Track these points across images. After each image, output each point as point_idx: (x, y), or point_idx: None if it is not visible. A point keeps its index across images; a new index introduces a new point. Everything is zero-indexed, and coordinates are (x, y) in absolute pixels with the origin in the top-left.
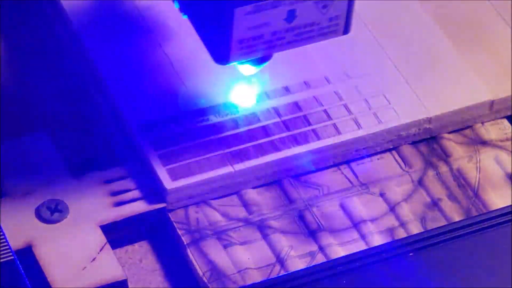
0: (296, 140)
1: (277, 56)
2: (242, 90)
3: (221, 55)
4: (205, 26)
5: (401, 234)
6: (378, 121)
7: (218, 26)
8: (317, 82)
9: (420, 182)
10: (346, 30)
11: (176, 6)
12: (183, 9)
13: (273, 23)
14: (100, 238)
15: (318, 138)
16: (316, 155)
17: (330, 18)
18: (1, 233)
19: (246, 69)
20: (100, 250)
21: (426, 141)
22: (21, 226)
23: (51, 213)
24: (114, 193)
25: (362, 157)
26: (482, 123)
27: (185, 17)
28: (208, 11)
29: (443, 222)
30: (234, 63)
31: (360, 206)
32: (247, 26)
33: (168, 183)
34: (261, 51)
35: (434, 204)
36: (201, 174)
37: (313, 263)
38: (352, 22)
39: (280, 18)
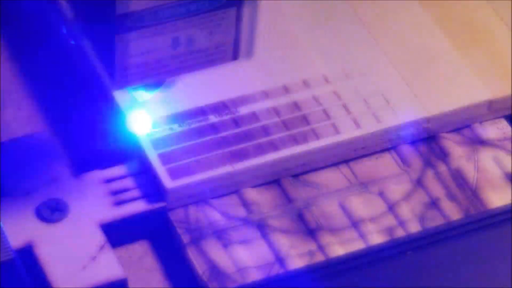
0: (295, 140)
1: (277, 56)
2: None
3: (112, 82)
4: (99, 53)
5: (400, 233)
6: (377, 121)
7: (102, 53)
8: (316, 82)
9: (419, 182)
10: (235, 56)
11: (64, 31)
12: (70, 36)
13: (157, 50)
14: (100, 237)
15: (317, 138)
16: (315, 155)
17: (217, 45)
18: (2, 232)
19: (140, 94)
20: (100, 249)
21: (425, 141)
22: (21, 225)
23: (51, 212)
24: (114, 193)
25: (361, 157)
26: (481, 122)
27: (72, 43)
28: (92, 37)
29: (441, 221)
30: (127, 89)
31: (359, 205)
32: (130, 53)
33: (168, 183)
34: (147, 78)
35: (433, 203)
36: (201, 174)
37: (312, 262)
38: (249, 46)
39: (164, 45)
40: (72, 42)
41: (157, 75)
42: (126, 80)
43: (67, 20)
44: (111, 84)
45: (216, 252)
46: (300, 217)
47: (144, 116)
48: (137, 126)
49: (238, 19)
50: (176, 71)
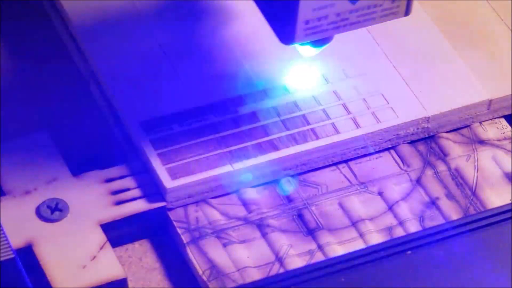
0: (295, 139)
1: (276, 55)
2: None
3: (287, 35)
4: (271, 6)
5: (399, 232)
6: (377, 121)
7: (284, 6)
8: (316, 82)
9: (419, 181)
10: (407, 12)
11: None
12: None
13: (337, 4)
14: (100, 236)
15: (317, 137)
16: (315, 155)
17: (393, 0)
18: (2, 232)
19: (306, 50)
20: (100, 249)
21: (424, 140)
22: (21, 225)
23: (52, 212)
24: (114, 192)
25: (361, 156)
26: (480, 122)
27: None
28: None
29: (441, 221)
30: (297, 44)
31: (359, 205)
32: (312, 7)
33: (168, 182)
34: (325, 32)
35: (432, 203)
36: (201, 173)
37: (312, 262)
38: (413, 3)
39: None
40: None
41: (333, 30)
42: (305, 34)
43: None
44: (289, 38)
45: (216, 251)
46: (300, 217)
47: (307, 72)
48: (298, 81)
49: None
50: (351, 26)
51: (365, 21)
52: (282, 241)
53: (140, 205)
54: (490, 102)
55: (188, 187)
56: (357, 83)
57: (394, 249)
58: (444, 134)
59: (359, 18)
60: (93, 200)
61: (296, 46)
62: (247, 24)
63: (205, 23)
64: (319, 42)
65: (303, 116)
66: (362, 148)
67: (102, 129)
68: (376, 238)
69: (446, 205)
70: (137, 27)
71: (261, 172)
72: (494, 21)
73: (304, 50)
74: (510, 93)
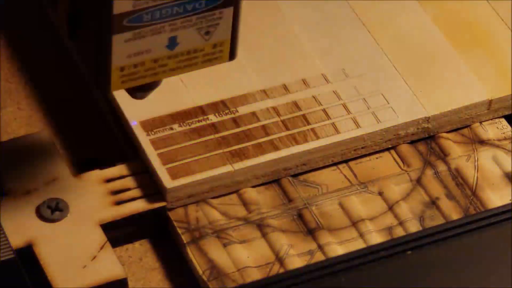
0: (295, 139)
1: (276, 55)
2: None
3: (103, 84)
4: (88, 55)
5: (399, 232)
6: (377, 121)
7: (99, 53)
8: (316, 81)
9: (419, 181)
10: (231, 56)
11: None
12: (71, 35)
13: (154, 50)
14: (100, 236)
15: (317, 137)
16: (315, 155)
17: (214, 45)
18: (2, 232)
19: (136, 95)
20: (101, 249)
21: (425, 140)
22: (21, 225)
23: (52, 212)
24: (114, 192)
25: (361, 156)
26: (480, 122)
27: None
28: (89, 39)
29: (441, 221)
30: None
31: (359, 205)
32: (127, 54)
33: (168, 182)
34: (143, 78)
35: (433, 203)
36: (201, 173)
37: (312, 262)
38: (237, 47)
39: (161, 45)
40: (66, 45)
41: (152, 76)
42: (121, 81)
43: (62, 20)
44: (105, 87)
45: (216, 251)
46: (300, 217)
47: (142, 114)
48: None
49: (235, 18)
50: (171, 72)
51: (186, 67)
52: (282, 241)
53: (140, 205)
54: (490, 102)
55: (188, 187)
56: (357, 83)
57: (394, 249)
58: (444, 134)
59: (179, 64)
60: (93, 200)
61: (127, 90)
62: (247, 24)
63: None
64: (145, 87)
65: (303, 116)
66: (362, 148)
67: (102, 129)
68: (376, 238)
69: (446, 205)
70: None
71: (261, 172)
72: (494, 21)
73: (134, 95)
74: (510, 93)
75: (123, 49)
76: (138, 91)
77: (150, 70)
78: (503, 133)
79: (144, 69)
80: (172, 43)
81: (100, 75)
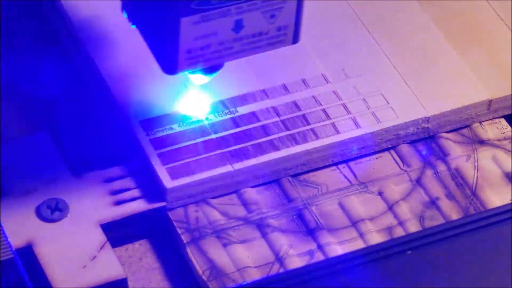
0: (295, 139)
1: (276, 55)
2: (192, 98)
3: (169, 66)
4: (153, 36)
5: (399, 232)
6: (377, 121)
7: (165, 36)
8: (316, 82)
9: (419, 181)
10: (295, 40)
11: (124, 15)
12: (131, 19)
13: (220, 32)
14: (100, 236)
15: (317, 137)
16: (315, 155)
17: (279, 28)
18: (2, 232)
19: (197, 78)
20: (100, 249)
21: (424, 140)
22: (21, 225)
23: (52, 212)
24: (114, 192)
25: (361, 156)
26: (480, 122)
27: (133, 27)
28: (155, 21)
29: (441, 221)
30: (185, 73)
31: (359, 205)
32: (194, 36)
33: (168, 182)
34: (209, 61)
35: (432, 203)
36: (201, 173)
37: (312, 262)
38: (301, 31)
39: (227, 27)
40: (133, 26)
41: (216, 59)
42: (188, 63)
43: (129, 3)
44: (172, 68)
45: (216, 251)
46: (300, 217)
47: (201, 100)
48: (192, 110)
49: (300, 2)
50: (236, 54)
51: (251, 50)
52: (282, 241)
53: (140, 205)
54: (490, 102)
55: (188, 187)
56: (357, 83)
57: (394, 249)
58: (444, 134)
59: (244, 47)
60: (93, 200)
61: (187, 74)
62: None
63: None
64: (209, 70)
65: (303, 116)
66: (362, 148)
67: (102, 129)
68: (376, 238)
69: (446, 205)
70: None
71: (261, 172)
72: (494, 21)
73: (195, 78)
74: (510, 93)
75: (190, 32)
76: (201, 74)
77: (216, 53)
78: (503, 133)
79: (210, 52)
80: (238, 26)
81: (167, 58)
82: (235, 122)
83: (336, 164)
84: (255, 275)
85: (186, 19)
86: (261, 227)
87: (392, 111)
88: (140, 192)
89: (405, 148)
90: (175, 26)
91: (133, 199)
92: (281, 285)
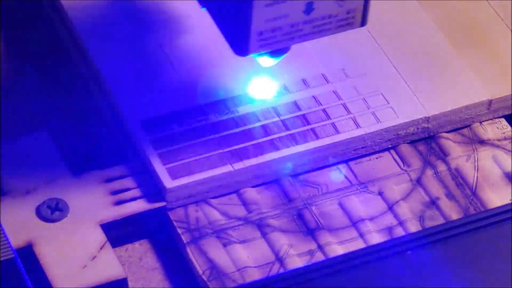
0: (295, 139)
1: None
2: (259, 83)
3: (241, 47)
4: (224, 18)
5: (399, 232)
6: (377, 120)
7: (237, 18)
8: (316, 82)
9: (419, 181)
10: (363, 22)
11: None
12: (202, 1)
13: (291, 15)
14: (100, 236)
15: (317, 137)
16: (315, 155)
17: (348, 11)
18: (2, 232)
19: (265, 60)
20: (100, 249)
21: (425, 140)
22: (21, 224)
23: (52, 212)
24: (114, 192)
25: (361, 156)
26: (480, 122)
27: (203, 10)
28: (227, 3)
29: (441, 221)
30: (253, 55)
31: (359, 205)
32: (266, 18)
33: (168, 182)
34: (279, 43)
35: (433, 203)
36: (201, 173)
37: (312, 262)
38: (369, 14)
39: (298, 10)
40: (203, 9)
41: (287, 41)
42: (259, 45)
43: None
44: (243, 50)
45: (216, 251)
46: (300, 217)
47: (268, 82)
48: (260, 92)
49: None
50: (306, 37)
51: (321, 32)
52: (282, 241)
53: (140, 205)
54: (490, 102)
55: (188, 187)
56: (357, 83)
57: (394, 249)
58: (444, 134)
59: (314, 29)
60: (93, 200)
61: (255, 56)
62: None
63: (205, 22)
64: (276, 53)
65: (303, 116)
66: (362, 148)
67: (102, 129)
68: (376, 238)
69: (446, 205)
70: (137, 27)
71: (261, 172)
72: (494, 21)
73: (262, 61)
74: (510, 93)
75: (262, 14)
76: (268, 56)
77: (286, 35)
78: (503, 133)
79: (281, 34)
80: (309, 8)
81: (239, 39)
82: (236, 122)
83: (336, 164)
84: (255, 275)
85: (259, 2)
86: (261, 227)
87: (392, 111)
88: (140, 192)
89: (405, 148)
90: (247, 8)
91: (133, 199)
92: (281, 285)
